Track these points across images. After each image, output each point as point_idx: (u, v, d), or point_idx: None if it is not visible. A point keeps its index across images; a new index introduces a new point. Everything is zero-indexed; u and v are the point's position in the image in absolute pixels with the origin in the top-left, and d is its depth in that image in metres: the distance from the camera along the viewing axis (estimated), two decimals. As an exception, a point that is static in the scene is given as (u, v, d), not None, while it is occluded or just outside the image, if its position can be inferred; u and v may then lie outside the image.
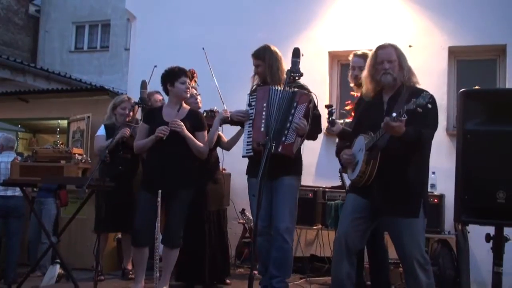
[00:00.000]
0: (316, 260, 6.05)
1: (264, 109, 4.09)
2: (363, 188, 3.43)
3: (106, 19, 17.59)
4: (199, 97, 5.00)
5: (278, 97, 4.05)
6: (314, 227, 6.03)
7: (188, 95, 4.60)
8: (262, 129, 4.05)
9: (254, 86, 4.37)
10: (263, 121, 4.06)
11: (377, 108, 3.48)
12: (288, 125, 3.99)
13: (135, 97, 5.07)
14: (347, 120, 4.70)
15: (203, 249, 4.82)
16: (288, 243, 4.10)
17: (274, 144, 3.52)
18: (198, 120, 4.55)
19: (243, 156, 4.22)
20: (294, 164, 4.18)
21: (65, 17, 17.76)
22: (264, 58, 4.28)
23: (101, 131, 5.32)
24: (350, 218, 3.48)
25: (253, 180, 4.13)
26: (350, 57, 4.57)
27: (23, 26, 17.26)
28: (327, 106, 4.11)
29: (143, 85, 4.58)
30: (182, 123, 4.38)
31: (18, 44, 16.90)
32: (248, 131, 4.17)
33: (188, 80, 4.54)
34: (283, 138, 3.98)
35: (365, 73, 3.59)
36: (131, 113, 5.35)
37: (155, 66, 5.10)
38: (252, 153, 4.08)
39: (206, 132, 4.60)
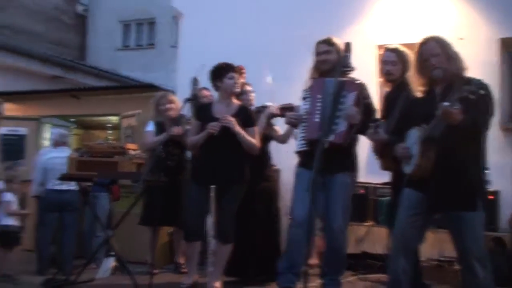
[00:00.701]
0: (368, 257, 6.00)
1: (319, 100, 4.09)
2: (419, 182, 3.38)
3: (152, 17, 17.82)
4: (252, 94, 5.03)
5: (331, 87, 4.01)
6: (366, 224, 6.00)
7: (237, 90, 4.64)
8: (317, 119, 4.04)
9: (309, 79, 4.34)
10: (318, 112, 4.06)
11: (429, 102, 3.44)
12: (338, 113, 3.97)
13: (184, 94, 5.15)
14: None
15: (251, 246, 4.86)
16: (341, 242, 4.09)
17: (326, 139, 3.54)
18: (248, 116, 4.58)
19: (297, 152, 4.23)
20: (348, 160, 4.16)
21: (112, 16, 18.07)
22: (335, 44, 4.25)
23: (150, 126, 5.40)
24: (406, 214, 3.44)
25: (304, 170, 4.09)
26: (381, 52, 4.54)
27: (72, 25, 17.65)
28: (373, 121, 4.07)
29: (195, 82, 4.64)
30: (232, 119, 4.42)
31: (67, 43, 17.29)
32: (302, 127, 4.18)
33: (236, 75, 4.58)
34: (334, 127, 3.96)
35: (413, 71, 3.55)
36: (173, 106, 5.40)
37: (204, 65, 5.15)
38: (305, 147, 4.09)
39: (256, 127, 4.63)
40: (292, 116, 4.27)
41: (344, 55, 3.87)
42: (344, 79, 4.04)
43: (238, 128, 4.43)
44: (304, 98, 4.24)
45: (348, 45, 3.89)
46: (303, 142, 4.13)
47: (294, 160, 4.36)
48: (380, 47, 6.74)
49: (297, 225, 3.99)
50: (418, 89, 3.54)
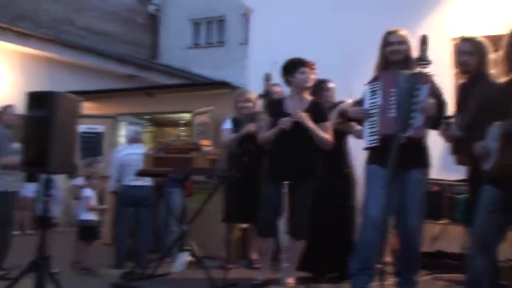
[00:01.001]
0: (443, 256, 5.84)
1: (393, 94, 3.92)
2: (499, 179, 3.26)
3: (221, 15, 18.03)
4: (334, 91, 5.00)
5: (404, 80, 3.91)
6: (440, 222, 5.83)
7: (309, 85, 4.61)
8: (393, 114, 3.88)
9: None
10: (393, 106, 3.90)
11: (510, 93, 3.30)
12: (415, 106, 3.87)
13: (256, 90, 5.17)
14: None
15: (324, 242, 4.83)
16: (417, 241, 4.00)
17: (404, 134, 3.45)
18: (320, 111, 4.54)
19: (366, 148, 4.09)
20: (423, 155, 4.05)
21: (183, 15, 18.41)
22: (405, 35, 4.15)
23: (227, 124, 5.47)
24: (485, 212, 3.33)
25: (376, 167, 3.96)
26: (455, 42, 4.35)
27: (144, 25, 18.11)
28: (445, 118, 3.94)
29: (267, 77, 4.65)
30: (305, 114, 4.40)
31: (140, 42, 17.76)
32: (371, 122, 4.04)
33: (308, 70, 4.55)
34: (411, 121, 3.85)
35: (502, 58, 3.41)
36: (250, 105, 5.44)
37: (275, 63, 5.14)
38: (377, 143, 3.97)
39: (329, 123, 4.58)
40: (358, 110, 4.13)
41: (421, 48, 3.76)
42: (416, 71, 3.92)
43: (309, 123, 4.40)
44: (372, 92, 4.10)
45: (424, 38, 3.79)
46: (374, 137, 3.98)
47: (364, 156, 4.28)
48: (455, 39, 6.53)
49: (372, 225, 3.86)
50: (500, 78, 3.41)
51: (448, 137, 3.97)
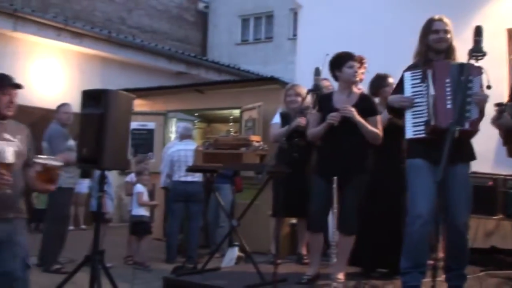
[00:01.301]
0: (497, 252, 5.70)
1: (448, 85, 3.75)
2: None
3: (270, 11, 18.04)
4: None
5: (457, 71, 3.75)
6: (494, 217, 5.69)
7: (357, 79, 4.56)
8: (449, 106, 3.69)
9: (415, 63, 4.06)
10: (449, 98, 3.73)
11: None
12: (469, 99, 3.75)
13: (303, 85, 5.14)
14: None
15: (375, 238, 4.77)
16: (466, 238, 3.90)
17: (458, 128, 3.36)
18: (369, 105, 4.47)
19: (410, 139, 3.93)
20: (468, 149, 3.95)
21: (231, 11, 18.52)
22: (450, 24, 4.01)
23: (276, 119, 5.46)
24: None
25: (422, 161, 3.83)
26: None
27: (194, 22, 18.31)
28: (497, 105, 3.79)
29: (317, 72, 4.61)
30: (353, 109, 4.35)
31: (189, 40, 17.97)
32: (415, 112, 3.89)
33: (355, 64, 4.50)
34: (468, 114, 3.73)
35: None
36: (299, 99, 5.41)
37: (327, 55, 5.10)
38: (424, 135, 3.82)
39: (378, 117, 4.51)
40: (401, 99, 3.97)
41: (476, 39, 3.65)
42: (467, 62, 3.80)
43: (358, 118, 4.33)
44: (415, 80, 3.93)
45: (479, 29, 3.67)
46: (420, 128, 3.84)
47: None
48: (510, 30, 6.35)
49: (422, 222, 3.73)
50: None
51: (499, 126, 3.84)
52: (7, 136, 3.24)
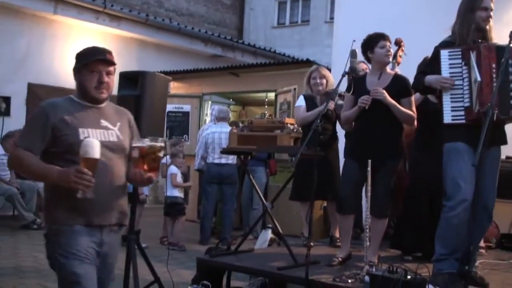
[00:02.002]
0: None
1: (494, 70, 3.57)
2: None
3: (306, -6, 17.90)
4: None
5: (503, 55, 3.54)
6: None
7: (389, 60, 4.47)
8: (495, 90, 3.45)
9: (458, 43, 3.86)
10: (495, 84, 3.52)
11: None
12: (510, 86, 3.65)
13: (340, 68, 5.09)
14: None
15: (412, 221, 4.75)
16: (491, 219, 3.86)
17: (496, 111, 3.28)
18: (403, 86, 4.38)
19: (448, 124, 3.80)
20: (502, 132, 3.85)
21: (268, -6, 18.45)
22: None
23: (300, 101, 5.42)
24: None
25: (462, 145, 3.72)
26: None
27: (230, 5, 18.27)
28: None
29: (353, 54, 4.56)
30: (383, 91, 4.28)
31: (226, 23, 17.96)
32: (455, 95, 3.77)
33: (388, 44, 4.41)
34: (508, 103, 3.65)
35: None
36: (324, 81, 5.36)
37: (354, 41, 5.00)
38: (464, 121, 3.70)
39: (413, 98, 4.43)
40: (445, 80, 3.79)
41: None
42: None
43: (390, 100, 4.25)
44: (454, 59, 3.78)
45: None
46: (460, 113, 3.73)
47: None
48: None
49: (466, 207, 3.64)
50: None
51: None
52: (104, 123, 2.67)
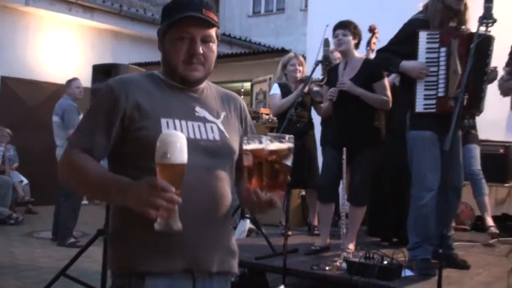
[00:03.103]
0: (508, 219, 5.71)
1: (467, 59, 3.38)
2: None
3: (282, -19, 17.86)
4: None
5: (479, 45, 3.46)
6: (506, 185, 5.69)
7: (341, 48, 4.42)
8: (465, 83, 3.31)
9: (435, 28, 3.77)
10: (469, 75, 3.37)
11: None
12: (485, 77, 3.69)
13: (315, 56, 5.10)
14: None
15: (390, 208, 4.81)
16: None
17: (466, 96, 3.31)
18: (374, 71, 4.35)
19: (418, 113, 3.72)
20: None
21: (243, -17, 18.36)
22: None
23: (275, 89, 5.41)
24: None
25: (430, 134, 3.70)
26: None
27: (205, -6, 18.17)
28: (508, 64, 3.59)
29: (326, 43, 4.57)
30: (348, 82, 4.26)
31: (201, 12, 17.86)
32: (427, 82, 3.69)
33: (340, 33, 4.38)
34: (483, 94, 3.69)
35: None
36: (301, 68, 5.38)
37: (327, 25, 5.03)
38: (435, 110, 3.66)
39: (385, 81, 4.41)
40: (423, 70, 3.69)
41: (486, 5, 3.53)
42: (488, 35, 3.65)
43: (357, 90, 4.22)
44: (432, 43, 3.70)
45: None
46: (431, 103, 3.67)
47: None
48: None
49: (433, 196, 3.68)
50: None
51: (509, 90, 3.67)
52: (202, 113, 1.79)
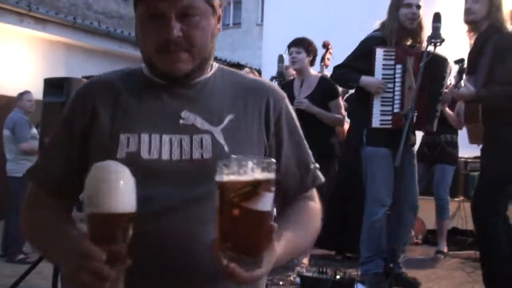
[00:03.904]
0: (458, 233, 5.85)
1: (421, 77, 3.46)
2: None
3: (238, -4, 17.98)
4: None
5: (435, 64, 3.66)
6: (456, 199, 5.82)
7: (296, 66, 4.46)
8: (413, 99, 3.42)
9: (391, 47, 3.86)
10: (417, 89, 3.49)
11: None
12: (441, 97, 3.79)
13: (270, 71, 5.14)
14: None
15: (346, 222, 4.86)
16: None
17: (416, 114, 3.40)
18: (329, 88, 4.39)
19: (374, 128, 3.79)
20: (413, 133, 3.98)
21: (199, -3, 18.40)
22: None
23: None
24: None
25: (385, 150, 3.76)
26: None
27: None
28: (457, 62, 3.53)
29: (280, 59, 4.61)
30: (305, 101, 4.27)
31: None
32: (384, 98, 3.76)
33: (294, 50, 4.42)
34: (437, 114, 3.80)
35: None
36: None
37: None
38: (391, 126, 3.73)
39: (339, 100, 4.47)
40: (381, 85, 3.77)
41: (434, 25, 3.62)
42: (443, 56, 3.77)
43: (314, 109, 4.26)
44: (388, 61, 3.76)
45: (437, 15, 3.66)
46: (387, 119, 3.75)
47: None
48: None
49: (385, 212, 3.75)
50: None
51: (459, 97, 3.64)
52: (191, 119, 1.26)
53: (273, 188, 0.99)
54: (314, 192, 1.43)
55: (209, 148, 1.21)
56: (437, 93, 3.80)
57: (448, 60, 3.83)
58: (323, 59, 5.23)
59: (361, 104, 3.99)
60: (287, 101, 1.44)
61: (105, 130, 1.23)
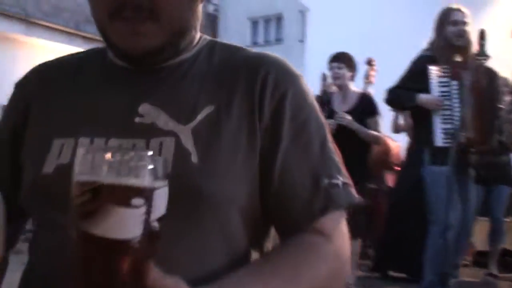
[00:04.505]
0: (508, 254, 5.65)
1: (482, 96, 3.44)
2: None
3: (279, 12, 18.02)
4: None
5: (496, 82, 3.66)
6: (506, 220, 5.63)
7: (337, 82, 4.43)
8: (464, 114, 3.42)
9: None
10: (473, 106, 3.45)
11: None
12: (497, 113, 3.72)
13: (312, 87, 5.12)
14: None
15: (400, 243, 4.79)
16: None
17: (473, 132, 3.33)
18: (369, 106, 4.36)
19: (437, 146, 3.65)
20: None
21: (241, 14, 18.52)
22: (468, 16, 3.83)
23: None
24: None
25: (445, 169, 3.61)
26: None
27: (205, 25, 18.34)
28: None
29: (324, 77, 4.59)
30: (348, 117, 4.23)
31: (200, 43, 17.99)
32: (444, 116, 3.66)
33: (335, 65, 4.38)
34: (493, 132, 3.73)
35: None
36: None
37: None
38: (452, 144, 3.56)
39: (378, 117, 4.40)
40: (438, 102, 3.67)
41: (480, 43, 3.55)
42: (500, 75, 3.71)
43: (354, 125, 4.19)
44: (450, 80, 3.66)
45: (482, 32, 3.58)
46: (449, 136, 3.60)
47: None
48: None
49: (450, 234, 3.61)
50: None
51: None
52: (151, 116, 0.85)
53: (143, 205, 0.57)
54: (330, 223, 0.88)
55: (170, 156, 0.80)
56: (494, 110, 3.69)
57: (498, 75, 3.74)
58: (367, 76, 5.17)
59: (418, 124, 3.96)
60: (301, 83, 0.96)
61: (36, 133, 0.90)
